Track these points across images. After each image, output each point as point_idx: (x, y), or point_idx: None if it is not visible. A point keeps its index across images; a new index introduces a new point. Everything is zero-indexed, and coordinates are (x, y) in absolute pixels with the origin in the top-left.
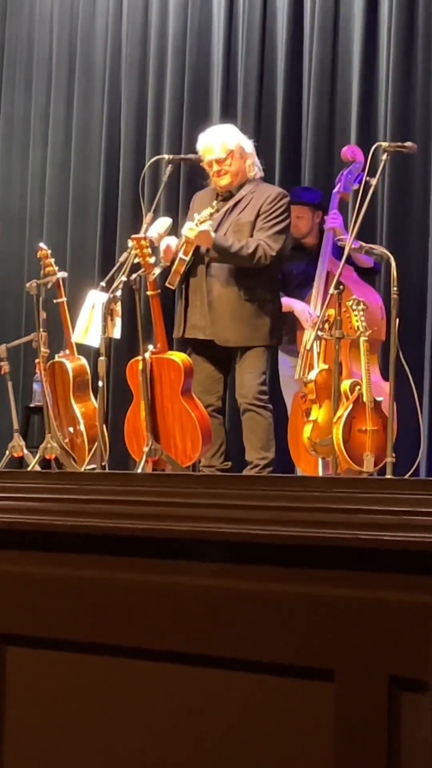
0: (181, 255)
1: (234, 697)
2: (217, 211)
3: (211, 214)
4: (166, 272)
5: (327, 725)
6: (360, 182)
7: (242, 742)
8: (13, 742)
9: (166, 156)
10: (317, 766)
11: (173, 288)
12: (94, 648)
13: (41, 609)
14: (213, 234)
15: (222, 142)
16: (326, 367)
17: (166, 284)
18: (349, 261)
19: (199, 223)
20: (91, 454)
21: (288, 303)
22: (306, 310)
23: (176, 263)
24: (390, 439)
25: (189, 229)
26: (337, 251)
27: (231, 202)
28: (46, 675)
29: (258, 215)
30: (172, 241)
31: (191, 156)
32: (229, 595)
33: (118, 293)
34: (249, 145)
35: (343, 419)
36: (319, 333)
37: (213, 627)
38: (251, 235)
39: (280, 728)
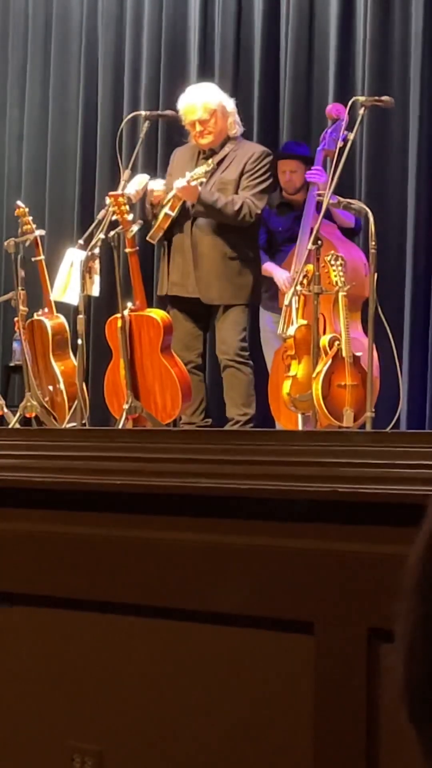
0: (166, 210)
1: (216, 651)
2: (213, 170)
3: (206, 173)
4: (144, 229)
5: (308, 677)
6: (344, 140)
7: (225, 696)
8: None
9: (143, 113)
10: (299, 717)
11: (153, 242)
12: (75, 604)
13: (20, 565)
14: (200, 188)
15: (204, 103)
16: (305, 322)
17: (147, 238)
18: (331, 220)
19: (192, 180)
20: (71, 412)
21: (268, 269)
22: (285, 278)
23: (161, 218)
24: (369, 394)
25: (179, 187)
26: (320, 207)
27: (215, 160)
28: (26, 631)
29: (242, 173)
30: (157, 185)
31: (168, 112)
32: (210, 549)
33: (97, 251)
34: (230, 104)
35: (322, 374)
36: (298, 288)
37: (195, 582)
38: (235, 193)
39: (262, 681)
